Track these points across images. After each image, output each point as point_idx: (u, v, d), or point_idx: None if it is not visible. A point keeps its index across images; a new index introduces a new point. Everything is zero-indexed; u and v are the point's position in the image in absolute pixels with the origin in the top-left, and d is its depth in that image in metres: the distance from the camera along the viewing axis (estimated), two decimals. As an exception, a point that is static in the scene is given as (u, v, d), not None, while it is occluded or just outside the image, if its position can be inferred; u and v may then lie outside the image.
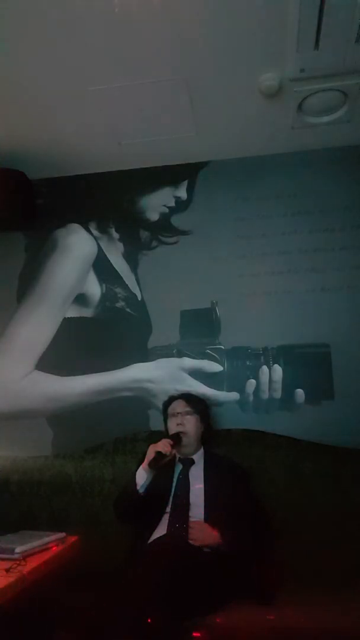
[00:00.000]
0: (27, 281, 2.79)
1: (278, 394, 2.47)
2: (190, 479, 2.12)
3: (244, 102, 2.23)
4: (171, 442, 2.06)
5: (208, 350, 2.55)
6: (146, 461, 2.01)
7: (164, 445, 2.02)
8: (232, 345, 2.54)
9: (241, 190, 2.67)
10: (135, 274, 2.72)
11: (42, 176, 2.76)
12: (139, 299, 2.69)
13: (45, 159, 2.62)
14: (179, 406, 2.26)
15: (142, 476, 2.02)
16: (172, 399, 2.32)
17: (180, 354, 2.57)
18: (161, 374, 2.57)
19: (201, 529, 1.92)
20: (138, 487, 2.00)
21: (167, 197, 2.74)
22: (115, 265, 2.74)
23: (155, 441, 2.08)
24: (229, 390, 2.51)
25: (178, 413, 2.23)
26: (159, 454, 1.99)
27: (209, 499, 2.04)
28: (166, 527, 1.97)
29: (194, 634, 1.59)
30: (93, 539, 2.12)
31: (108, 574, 1.74)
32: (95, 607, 1.62)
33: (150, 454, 2.01)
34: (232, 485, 2.07)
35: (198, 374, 2.54)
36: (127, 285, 2.71)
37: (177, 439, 2.13)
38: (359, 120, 2.37)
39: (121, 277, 2.72)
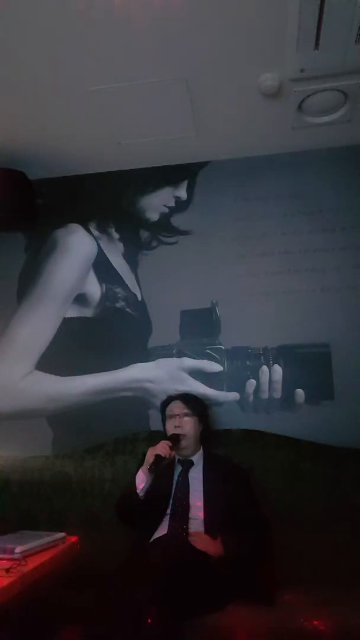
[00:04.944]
0: (27, 281, 2.79)
1: (278, 394, 2.47)
2: (189, 480, 2.12)
3: (244, 102, 2.23)
4: (170, 444, 2.06)
5: (208, 350, 2.55)
6: (145, 464, 2.00)
7: (162, 448, 2.02)
8: (232, 345, 2.54)
9: (241, 190, 2.67)
10: (135, 274, 2.72)
11: (42, 176, 2.76)
12: (139, 299, 2.69)
13: (45, 159, 2.62)
14: (176, 408, 2.24)
15: (141, 479, 2.01)
16: (169, 400, 2.31)
17: (180, 354, 2.57)
18: (161, 374, 2.57)
19: (202, 540, 1.90)
20: (138, 491, 1.99)
21: (167, 197, 2.74)
22: (115, 265, 2.74)
23: (155, 441, 2.08)
24: (229, 390, 2.51)
25: (176, 415, 2.22)
26: (158, 457, 1.98)
27: (209, 500, 2.03)
28: (167, 528, 1.97)
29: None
30: (93, 539, 2.13)
31: (108, 574, 1.74)
32: (95, 607, 1.62)
33: (150, 457, 2.00)
34: (232, 486, 2.06)
35: (198, 374, 2.54)
36: (127, 285, 2.71)
37: (175, 439, 2.13)
38: (359, 120, 2.37)
39: (121, 277, 2.72)
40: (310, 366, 2.46)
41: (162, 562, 1.68)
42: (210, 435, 2.32)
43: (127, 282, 2.72)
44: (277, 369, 2.48)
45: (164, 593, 1.56)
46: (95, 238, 2.79)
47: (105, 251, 2.77)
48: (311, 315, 2.51)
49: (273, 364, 2.49)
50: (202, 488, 2.07)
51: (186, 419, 2.21)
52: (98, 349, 2.65)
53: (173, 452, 2.08)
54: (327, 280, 2.53)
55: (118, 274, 2.73)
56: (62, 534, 1.99)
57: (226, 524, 1.95)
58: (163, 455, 1.99)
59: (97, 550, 2.06)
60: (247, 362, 2.51)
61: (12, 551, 1.73)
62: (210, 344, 2.56)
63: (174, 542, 1.90)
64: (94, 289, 2.73)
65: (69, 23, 1.79)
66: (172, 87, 2.13)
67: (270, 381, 2.48)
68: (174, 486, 2.10)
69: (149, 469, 1.97)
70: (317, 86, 2.10)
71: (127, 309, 2.69)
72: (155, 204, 2.75)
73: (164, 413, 2.29)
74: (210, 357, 2.55)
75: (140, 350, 2.62)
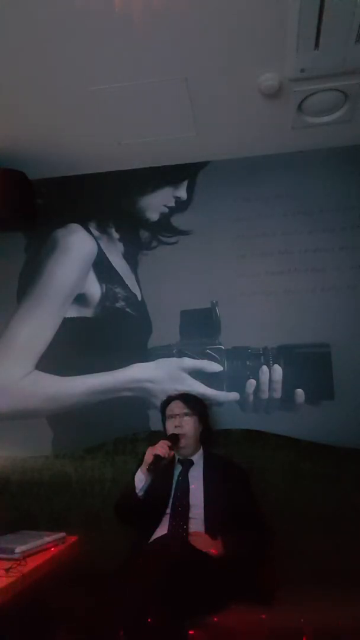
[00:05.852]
0: (27, 281, 2.79)
1: (278, 394, 2.47)
2: (189, 479, 2.12)
3: (244, 102, 2.23)
4: (169, 444, 2.05)
5: (208, 350, 2.55)
6: (144, 464, 2.00)
7: (162, 448, 2.01)
8: (232, 345, 2.54)
9: (241, 190, 2.67)
10: (135, 274, 2.72)
11: (42, 176, 2.76)
12: (139, 299, 2.69)
13: (45, 159, 2.62)
14: (176, 407, 2.24)
15: (140, 479, 2.01)
16: (169, 400, 2.31)
17: (180, 354, 2.57)
18: (161, 374, 2.57)
19: (202, 540, 1.89)
20: (137, 491, 1.99)
21: (167, 197, 2.75)
22: (115, 265, 2.74)
23: (155, 441, 2.08)
24: (229, 390, 2.51)
25: (176, 415, 2.22)
26: (157, 457, 1.98)
27: (209, 500, 2.03)
28: (167, 528, 1.97)
29: (190, 632, 1.58)
30: (93, 539, 2.12)
31: (108, 574, 1.74)
32: (95, 607, 1.61)
33: (149, 457, 2.00)
34: (232, 486, 2.06)
35: (198, 374, 2.54)
36: (127, 285, 2.71)
37: (174, 439, 2.12)
38: (359, 120, 2.37)
39: (121, 277, 2.72)
40: (310, 366, 2.46)
41: (162, 562, 1.68)
42: (210, 435, 2.32)
43: (127, 282, 2.72)
44: (277, 369, 2.48)
45: (164, 593, 1.56)
46: (95, 238, 2.79)
47: (105, 251, 2.77)
48: (311, 315, 2.51)
49: (273, 364, 2.49)
50: (202, 488, 2.07)
51: (186, 418, 2.21)
52: (98, 349, 2.65)
53: (172, 452, 2.08)
54: (327, 280, 2.53)
55: (118, 274, 2.73)
56: (62, 534, 1.98)
57: (226, 524, 1.95)
58: (162, 455, 1.99)
59: (97, 550, 2.05)
60: (247, 362, 2.51)
61: (12, 551, 1.72)
62: (210, 344, 2.56)
63: (173, 542, 1.90)
64: (94, 289, 2.73)
65: (69, 23, 1.79)
66: (172, 87, 2.13)
67: (270, 381, 2.48)
68: (173, 486, 2.10)
69: (147, 469, 1.97)
70: (317, 86, 2.10)
71: (127, 309, 2.69)
72: (155, 204, 2.75)
73: (164, 413, 2.29)
74: (210, 357, 2.55)
75: (140, 350, 2.62)
